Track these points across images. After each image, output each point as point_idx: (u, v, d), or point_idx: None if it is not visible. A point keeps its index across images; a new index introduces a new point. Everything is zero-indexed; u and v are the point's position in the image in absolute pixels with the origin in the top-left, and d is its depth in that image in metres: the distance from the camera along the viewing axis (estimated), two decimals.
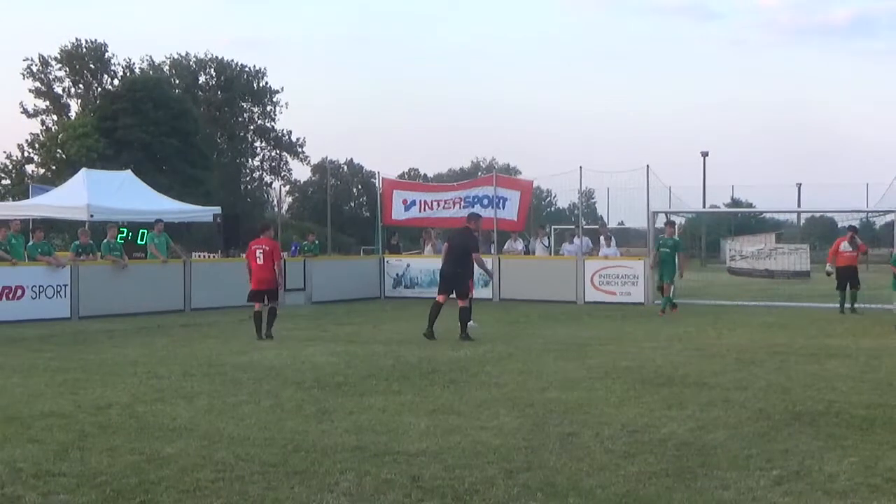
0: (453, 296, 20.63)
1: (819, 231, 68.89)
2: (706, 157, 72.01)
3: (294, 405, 12.12)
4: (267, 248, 21.18)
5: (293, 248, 39.69)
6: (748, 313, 26.80)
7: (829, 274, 27.81)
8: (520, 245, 34.35)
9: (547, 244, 37.34)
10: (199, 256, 40.17)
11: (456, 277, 20.62)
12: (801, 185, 50.87)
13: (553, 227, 50.69)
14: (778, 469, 8.82)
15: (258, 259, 21.01)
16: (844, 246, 27.47)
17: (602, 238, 33.67)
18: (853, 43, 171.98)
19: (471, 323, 20.72)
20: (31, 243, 26.85)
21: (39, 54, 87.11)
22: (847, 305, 26.67)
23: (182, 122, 78.25)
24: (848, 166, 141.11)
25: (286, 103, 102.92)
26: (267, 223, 23.90)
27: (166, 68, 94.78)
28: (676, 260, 26.58)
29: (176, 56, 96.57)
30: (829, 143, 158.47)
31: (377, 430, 10.51)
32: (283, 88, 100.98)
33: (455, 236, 21.64)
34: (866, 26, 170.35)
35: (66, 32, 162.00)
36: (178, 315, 26.18)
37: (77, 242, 27.95)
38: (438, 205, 35.65)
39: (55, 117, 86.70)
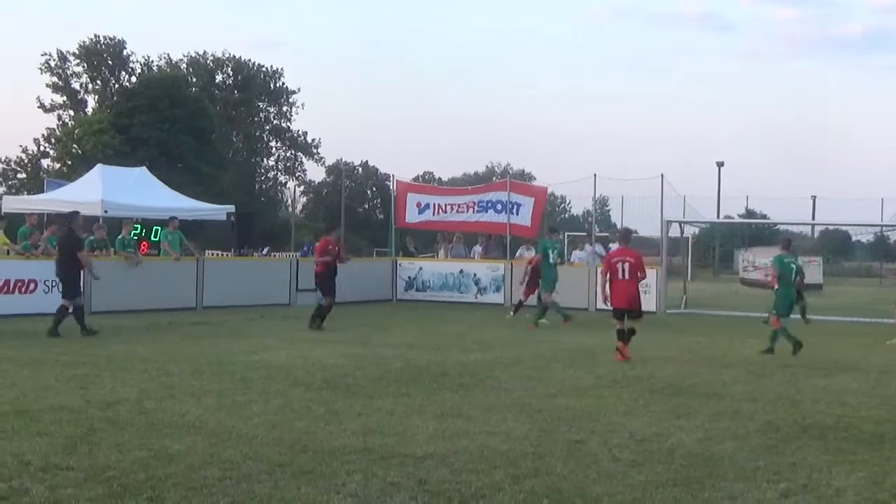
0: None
1: (833, 244, 68.72)
2: (721, 167, 72.00)
3: (303, 405, 12.13)
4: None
5: (304, 247, 39.69)
6: (760, 325, 26.74)
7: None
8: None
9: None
10: (213, 255, 40.22)
11: (63, 280, 21.11)
12: (815, 197, 50.78)
13: (567, 233, 50.71)
14: (785, 482, 8.80)
15: None
16: None
17: (615, 246, 33.59)
18: (868, 57, 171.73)
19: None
20: (47, 236, 26.82)
21: (58, 49, 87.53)
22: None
23: (198, 121, 78.45)
24: (863, 180, 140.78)
25: (302, 104, 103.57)
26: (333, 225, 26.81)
27: (183, 66, 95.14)
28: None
29: (193, 55, 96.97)
30: (845, 156, 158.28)
31: (385, 433, 10.50)
32: (299, 89, 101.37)
33: (60, 239, 22.12)
34: (881, 40, 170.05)
35: (85, 28, 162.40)
36: (189, 313, 26.21)
37: (92, 237, 27.95)
38: (452, 208, 35.69)
39: (72, 112, 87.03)
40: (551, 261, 26.20)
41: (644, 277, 18.52)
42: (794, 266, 20.15)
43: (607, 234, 37.63)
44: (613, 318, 18.26)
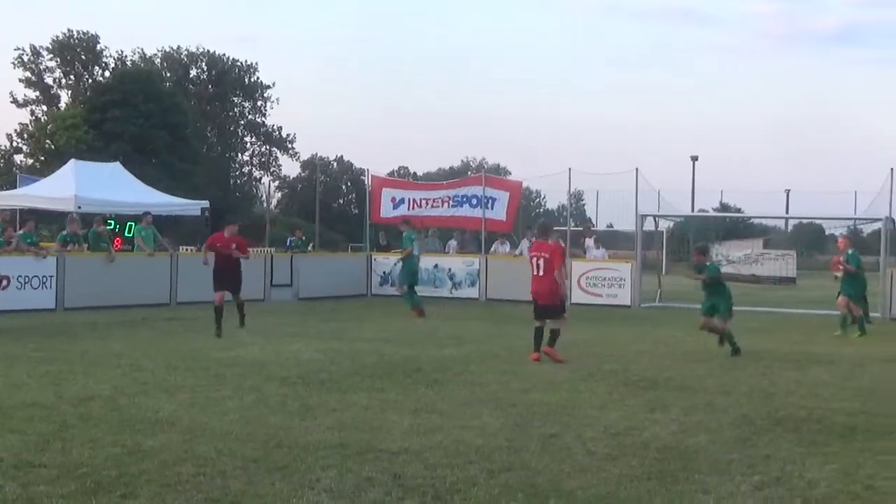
0: None
1: (806, 238, 69.01)
2: (696, 162, 72.12)
3: (277, 401, 12.11)
4: None
5: (288, 243, 39.56)
6: (733, 318, 26.80)
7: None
8: (507, 248, 34.37)
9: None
10: (186, 250, 40.07)
11: None
12: (789, 191, 51.07)
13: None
14: (759, 474, 8.84)
15: None
16: None
17: (591, 240, 33.57)
18: (842, 51, 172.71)
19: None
20: (21, 232, 26.70)
21: (31, 44, 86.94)
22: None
23: (172, 116, 78.16)
24: (837, 173, 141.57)
25: (277, 99, 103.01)
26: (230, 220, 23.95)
27: (157, 61, 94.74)
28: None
29: (167, 49, 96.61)
30: (819, 150, 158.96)
31: (360, 428, 10.50)
32: (274, 84, 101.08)
33: None
34: (854, 35, 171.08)
35: (59, 23, 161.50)
36: (163, 308, 26.11)
37: (64, 232, 27.82)
38: (427, 203, 35.68)
39: (45, 108, 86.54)
40: (416, 252, 26.64)
41: (560, 269, 17.04)
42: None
43: (581, 228, 37.60)
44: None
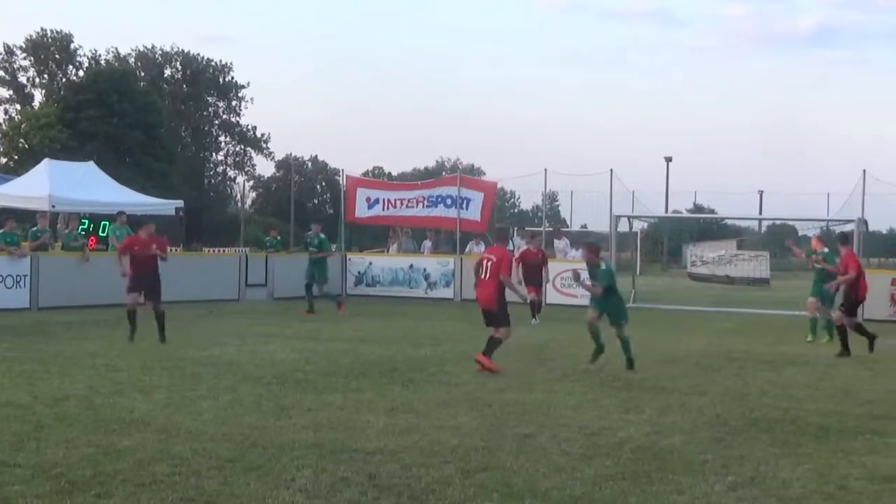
0: None
1: (780, 239, 69.13)
2: (670, 163, 72.30)
3: (253, 401, 12.10)
4: None
5: (266, 243, 39.30)
6: (708, 319, 26.93)
7: None
8: (481, 248, 34.34)
9: (511, 247, 37.38)
10: None
11: None
12: (762, 192, 51.16)
13: (515, 228, 50.80)
14: (733, 475, 8.88)
15: None
16: None
17: (564, 241, 33.57)
18: (816, 52, 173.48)
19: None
20: (1, 231, 26.49)
21: (4, 43, 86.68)
22: None
23: (146, 115, 77.99)
24: (810, 175, 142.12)
25: (251, 98, 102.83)
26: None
27: (132, 60, 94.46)
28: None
29: (142, 49, 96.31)
30: (792, 152, 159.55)
31: (335, 428, 10.50)
32: (248, 83, 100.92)
33: None
34: (827, 37, 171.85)
35: (32, 22, 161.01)
36: (138, 308, 25.96)
37: (35, 228, 27.68)
38: (402, 203, 35.66)
39: (18, 107, 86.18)
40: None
41: (507, 275, 16.46)
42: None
43: (551, 229, 37.60)
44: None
